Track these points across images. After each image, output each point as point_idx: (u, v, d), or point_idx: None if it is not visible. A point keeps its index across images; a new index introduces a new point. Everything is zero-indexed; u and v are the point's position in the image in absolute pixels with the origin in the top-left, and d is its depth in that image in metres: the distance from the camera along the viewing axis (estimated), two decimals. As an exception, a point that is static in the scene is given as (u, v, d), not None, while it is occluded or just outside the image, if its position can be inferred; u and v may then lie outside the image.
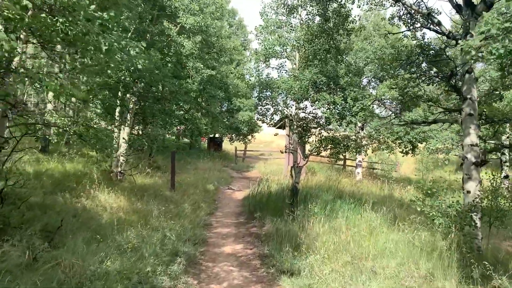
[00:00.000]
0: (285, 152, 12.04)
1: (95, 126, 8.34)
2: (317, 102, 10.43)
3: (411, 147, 20.17)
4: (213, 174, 19.36)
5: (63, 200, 9.63)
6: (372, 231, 8.44)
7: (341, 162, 27.34)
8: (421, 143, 20.70)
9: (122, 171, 13.42)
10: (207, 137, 31.35)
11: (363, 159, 21.78)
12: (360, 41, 19.94)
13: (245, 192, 15.09)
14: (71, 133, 7.48)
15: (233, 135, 29.85)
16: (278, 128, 20.28)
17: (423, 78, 10.74)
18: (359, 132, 20.55)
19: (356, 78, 10.64)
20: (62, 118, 7.31)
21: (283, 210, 10.07)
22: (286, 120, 19.63)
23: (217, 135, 31.00)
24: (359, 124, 22.23)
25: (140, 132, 13.92)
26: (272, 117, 11.25)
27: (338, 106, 9.01)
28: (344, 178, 20.66)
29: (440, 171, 29.62)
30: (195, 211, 10.95)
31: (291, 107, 11.11)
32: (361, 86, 16.84)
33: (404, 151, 20.55)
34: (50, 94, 12.75)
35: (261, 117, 11.10)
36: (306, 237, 7.73)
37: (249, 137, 30.87)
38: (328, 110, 9.21)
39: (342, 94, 9.07)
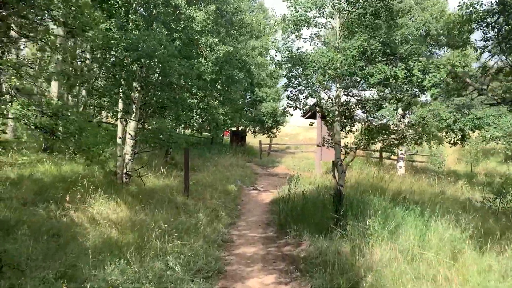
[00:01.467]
0: (322, 145, 9.55)
1: (76, 117, 6.08)
2: (363, 81, 7.91)
3: (461, 136, 17.19)
4: (236, 171, 17.05)
5: (45, 213, 7.51)
6: (456, 255, 5.90)
7: (377, 155, 24.57)
8: (473, 131, 17.80)
9: (128, 172, 11.25)
10: (229, 131, 29.06)
11: (405, 151, 19.01)
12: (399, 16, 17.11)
13: (272, 194, 12.70)
14: (33, 126, 5.27)
15: (256, 128, 27.43)
16: (307, 118, 17.75)
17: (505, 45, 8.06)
18: (400, 121, 17.79)
19: (420, 46, 8.14)
20: (19, 107, 5.09)
21: (325, 222, 7.62)
22: (318, 108, 17.08)
23: (240, 129, 28.65)
24: (400, 112, 19.44)
25: (148, 126, 11.69)
26: (306, 102, 8.78)
27: (399, 81, 6.46)
28: (384, 173, 17.97)
29: (486, 162, 26.44)
30: (212, 222, 8.64)
31: (331, 88, 8.63)
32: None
33: (453, 141, 17.46)
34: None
35: (291, 102, 8.64)
36: (367, 268, 5.27)
37: (274, 130, 28.41)
38: (385, 88, 6.68)
39: (405, 66, 6.50)
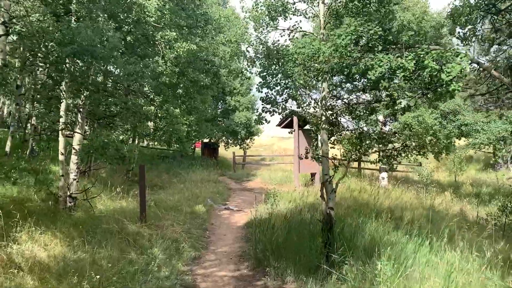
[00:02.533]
0: (305, 157, 7.93)
1: None
2: (353, 80, 6.37)
3: (447, 143, 15.95)
4: (207, 188, 15.20)
5: None
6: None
7: (355, 165, 23.23)
8: (459, 139, 16.61)
9: (72, 195, 9.28)
10: (201, 142, 27.17)
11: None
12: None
13: (247, 214, 10.93)
14: None
15: (229, 140, 25.67)
16: (283, 127, 16.16)
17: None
18: (382, 128, 16.44)
19: (432, 32, 6.60)
20: None
21: (314, 256, 5.93)
22: (295, 116, 15.58)
23: (212, 140, 26.79)
24: (381, 118, 18.15)
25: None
26: (285, 106, 7.14)
27: (406, 73, 4.91)
28: (366, 184, 16.54)
29: (465, 170, 25.56)
30: (171, 258, 6.80)
31: (316, 88, 7.05)
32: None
33: (438, 151, 16.20)
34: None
35: (268, 106, 6.96)
36: None
37: (248, 141, 26.71)
38: (391, 84, 5.09)
39: (414, 55, 4.96)
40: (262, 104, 6.90)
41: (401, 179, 19.29)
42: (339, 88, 7.65)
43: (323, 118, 6.68)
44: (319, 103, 6.86)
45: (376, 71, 5.11)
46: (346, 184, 16.00)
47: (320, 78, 6.51)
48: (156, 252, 6.70)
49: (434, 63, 4.81)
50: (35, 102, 8.62)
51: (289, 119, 15.36)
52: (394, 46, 5.53)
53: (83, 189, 9.45)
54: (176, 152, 24.01)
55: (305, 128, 15.81)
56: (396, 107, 6.61)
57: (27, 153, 14.28)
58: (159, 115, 9.60)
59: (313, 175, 15.88)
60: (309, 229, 7.09)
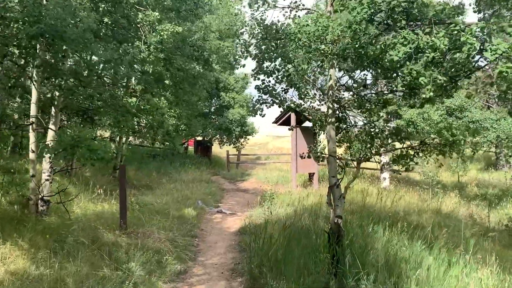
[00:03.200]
0: (307, 157, 6.95)
1: None
2: (370, 65, 5.42)
3: (451, 142, 14.92)
4: (198, 188, 14.18)
5: None
6: None
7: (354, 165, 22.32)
8: (467, 137, 15.70)
9: (44, 198, 8.23)
10: (194, 140, 26.11)
11: (389, 160, 16.72)
12: None
13: (241, 218, 9.93)
14: None
15: (223, 137, 24.60)
16: (280, 124, 15.16)
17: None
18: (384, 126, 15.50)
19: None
20: None
21: (319, 275, 4.94)
22: (293, 112, 14.52)
23: (206, 138, 25.69)
24: (383, 115, 17.17)
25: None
26: (285, 98, 6.15)
27: (436, 54, 3.93)
28: (367, 185, 15.59)
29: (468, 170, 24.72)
30: (152, 273, 5.79)
31: (325, 74, 6.06)
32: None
33: (442, 151, 15.20)
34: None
35: (265, 97, 5.95)
36: None
37: (242, 140, 25.66)
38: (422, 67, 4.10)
39: (447, 31, 3.98)
40: (258, 94, 5.89)
41: (402, 180, 18.39)
42: (348, 77, 6.66)
43: (330, 111, 5.68)
44: (325, 93, 5.86)
45: (399, 52, 4.13)
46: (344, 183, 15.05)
47: (327, 63, 5.51)
48: (133, 267, 5.67)
49: (475, 39, 3.83)
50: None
51: (287, 115, 14.38)
52: (419, 23, 4.54)
53: (58, 191, 8.38)
54: (168, 150, 22.95)
55: (303, 126, 14.83)
56: (416, 99, 5.66)
57: (8, 150, 13.20)
58: (142, 107, 8.54)
59: (311, 175, 14.92)
60: (313, 240, 6.09)
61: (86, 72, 6.42)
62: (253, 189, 16.29)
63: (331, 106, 5.68)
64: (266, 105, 5.91)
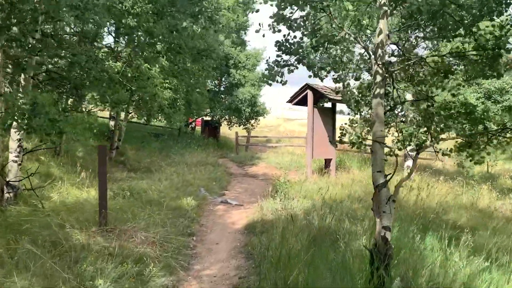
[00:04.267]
0: (337, 143, 5.30)
1: None
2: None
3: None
4: (203, 173, 12.66)
5: None
6: None
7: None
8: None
9: (11, 183, 6.77)
10: (201, 120, 24.54)
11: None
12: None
13: (249, 213, 8.37)
14: None
15: (232, 118, 22.96)
16: (295, 104, 13.45)
17: None
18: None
19: None
20: None
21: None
22: (310, 89, 12.71)
23: (212, 118, 24.08)
24: (409, 97, 15.37)
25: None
26: (313, 59, 4.49)
27: None
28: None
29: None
30: (127, 294, 4.28)
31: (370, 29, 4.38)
32: None
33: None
34: None
35: (287, 58, 4.26)
36: None
37: (252, 121, 24.01)
38: None
39: None
40: (277, 53, 4.21)
41: (425, 169, 16.61)
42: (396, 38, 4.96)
43: (378, 78, 3.99)
44: (373, 53, 4.16)
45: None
46: (368, 174, 13.39)
47: (377, 10, 3.82)
48: (101, 286, 4.16)
49: None
50: None
51: (303, 94, 12.65)
52: None
53: (28, 174, 6.88)
54: (172, 129, 21.45)
55: (321, 106, 13.10)
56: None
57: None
58: (129, 74, 6.91)
59: (327, 161, 13.26)
60: (345, 256, 4.47)
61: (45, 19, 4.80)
62: (263, 174, 14.73)
63: (380, 71, 3.98)
64: (287, 69, 4.23)
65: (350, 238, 5.39)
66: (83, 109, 8.83)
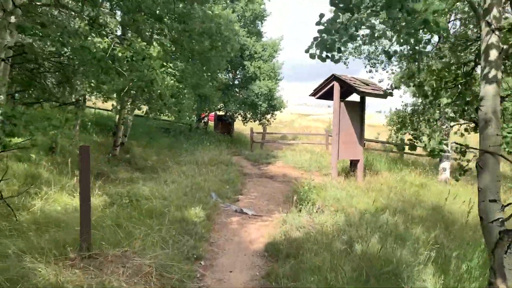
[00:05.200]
0: (412, 144, 3.81)
1: None
2: None
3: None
4: (215, 174, 11.31)
5: None
6: None
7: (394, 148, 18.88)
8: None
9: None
10: (214, 115, 23.16)
11: (452, 145, 13.30)
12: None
13: (269, 226, 6.93)
14: None
15: (247, 113, 21.53)
16: (319, 97, 11.92)
17: None
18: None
19: None
20: None
21: None
22: (336, 81, 11.14)
23: (226, 113, 22.67)
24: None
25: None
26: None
27: None
28: (418, 176, 12.33)
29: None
30: None
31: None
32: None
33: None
34: None
35: (342, 17, 2.78)
36: None
37: (269, 116, 22.57)
38: None
39: None
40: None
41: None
42: None
43: (492, 53, 2.47)
44: (479, 11, 2.64)
45: None
46: (396, 176, 11.84)
47: None
48: None
49: None
50: None
51: (328, 86, 11.13)
52: None
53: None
54: (184, 125, 20.15)
55: (348, 100, 11.58)
56: None
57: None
58: (120, 54, 5.50)
59: (353, 162, 11.75)
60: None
61: None
62: (281, 175, 13.29)
63: (494, 41, 2.47)
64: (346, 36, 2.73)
65: (414, 275, 3.93)
66: (74, 100, 7.47)
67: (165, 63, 6.58)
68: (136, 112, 13.18)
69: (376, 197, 8.85)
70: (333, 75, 11.02)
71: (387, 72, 14.42)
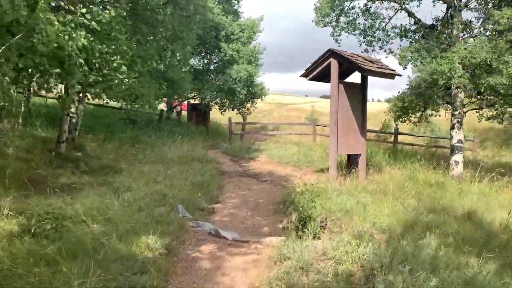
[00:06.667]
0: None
1: None
2: None
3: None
4: (185, 175, 8.97)
5: None
6: None
7: (390, 139, 16.92)
8: None
9: None
10: (187, 104, 20.58)
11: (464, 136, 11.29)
12: None
13: (261, 265, 4.61)
14: None
15: (225, 101, 19.08)
16: (311, 79, 9.64)
17: None
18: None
19: None
20: None
21: None
22: (334, 58, 8.87)
23: (202, 101, 20.12)
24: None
25: None
26: None
27: None
28: (427, 172, 10.24)
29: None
30: None
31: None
32: None
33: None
34: None
35: None
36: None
37: (248, 105, 20.23)
38: None
39: None
40: None
41: (477, 163, 12.95)
42: None
43: None
44: None
45: None
46: (398, 171, 9.75)
47: None
48: None
49: None
50: None
51: (324, 64, 8.86)
52: None
53: None
54: (153, 115, 17.57)
55: (347, 82, 9.39)
56: None
57: None
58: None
59: (352, 157, 9.60)
60: None
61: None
62: (267, 173, 11.07)
63: None
64: None
65: None
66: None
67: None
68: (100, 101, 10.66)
69: (393, 205, 6.73)
70: (330, 50, 8.77)
71: (385, 51, 12.30)
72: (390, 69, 9.11)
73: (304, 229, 5.56)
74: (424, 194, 8.17)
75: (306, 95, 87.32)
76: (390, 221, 5.76)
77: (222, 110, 20.17)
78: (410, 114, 11.87)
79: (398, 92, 12.13)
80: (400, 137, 16.03)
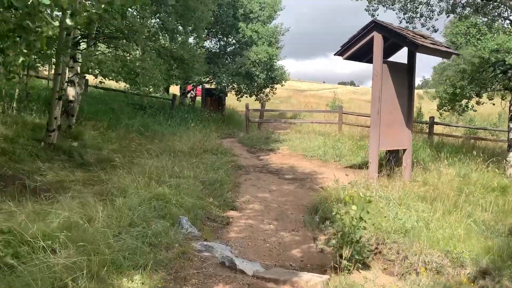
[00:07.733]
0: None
1: None
2: None
3: None
4: (196, 171, 7.43)
5: None
6: None
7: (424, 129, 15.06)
8: None
9: None
10: (202, 89, 19.00)
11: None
12: None
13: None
14: None
15: (242, 86, 17.41)
16: (348, 58, 7.89)
17: None
18: None
19: None
20: None
21: None
22: (378, 31, 7.07)
23: (218, 86, 18.49)
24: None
25: None
26: None
27: None
28: (481, 171, 8.43)
29: None
30: None
31: None
32: None
33: None
34: None
35: None
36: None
37: (267, 90, 18.54)
38: None
39: None
40: None
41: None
42: None
43: None
44: None
45: None
46: (452, 171, 8.02)
47: None
48: None
49: None
50: None
51: (365, 39, 7.12)
52: None
53: None
54: (165, 101, 16.10)
55: (391, 61, 7.65)
56: None
57: None
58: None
59: (394, 152, 7.90)
60: None
61: None
62: (290, 169, 9.48)
63: None
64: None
65: None
66: None
67: None
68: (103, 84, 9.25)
69: (461, 220, 5.10)
70: (373, 21, 7.02)
71: (428, 29, 10.46)
72: (445, 46, 7.33)
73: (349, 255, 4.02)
74: (488, 202, 6.49)
75: (323, 82, 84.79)
76: (471, 248, 4.14)
77: (239, 96, 18.54)
78: (457, 102, 10.11)
79: (445, 78, 10.29)
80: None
